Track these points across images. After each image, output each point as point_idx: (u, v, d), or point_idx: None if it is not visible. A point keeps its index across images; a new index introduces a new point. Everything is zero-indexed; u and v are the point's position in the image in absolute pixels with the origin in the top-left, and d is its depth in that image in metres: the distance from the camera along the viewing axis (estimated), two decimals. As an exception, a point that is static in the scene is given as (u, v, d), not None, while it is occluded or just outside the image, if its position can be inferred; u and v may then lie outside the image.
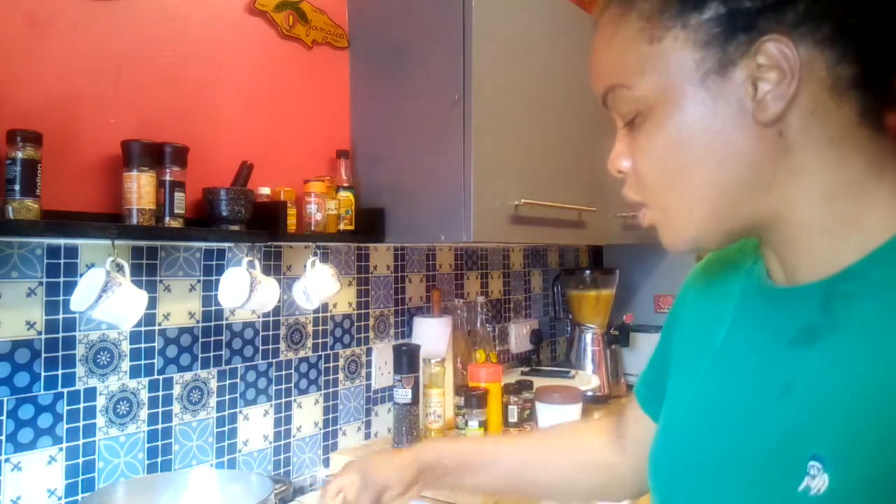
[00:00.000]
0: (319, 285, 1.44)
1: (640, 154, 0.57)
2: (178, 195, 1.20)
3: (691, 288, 0.74)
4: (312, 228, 1.45)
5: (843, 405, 0.48)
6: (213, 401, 1.37)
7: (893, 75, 0.51)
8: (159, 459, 1.28)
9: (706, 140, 0.53)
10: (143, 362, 1.26)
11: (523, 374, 2.14)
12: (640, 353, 2.38)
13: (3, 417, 1.08)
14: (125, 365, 1.23)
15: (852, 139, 0.51)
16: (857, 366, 0.49)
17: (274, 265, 1.50)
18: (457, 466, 0.86)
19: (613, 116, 0.60)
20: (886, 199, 0.52)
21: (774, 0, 0.49)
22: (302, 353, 1.56)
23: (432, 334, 1.76)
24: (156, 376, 1.28)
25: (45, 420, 1.12)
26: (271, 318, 1.49)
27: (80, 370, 1.17)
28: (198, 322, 1.35)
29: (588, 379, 2.10)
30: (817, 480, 0.47)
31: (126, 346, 1.23)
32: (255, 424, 1.46)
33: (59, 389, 1.14)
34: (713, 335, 0.64)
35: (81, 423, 1.17)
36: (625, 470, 0.82)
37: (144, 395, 1.26)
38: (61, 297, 1.14)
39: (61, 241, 1.14)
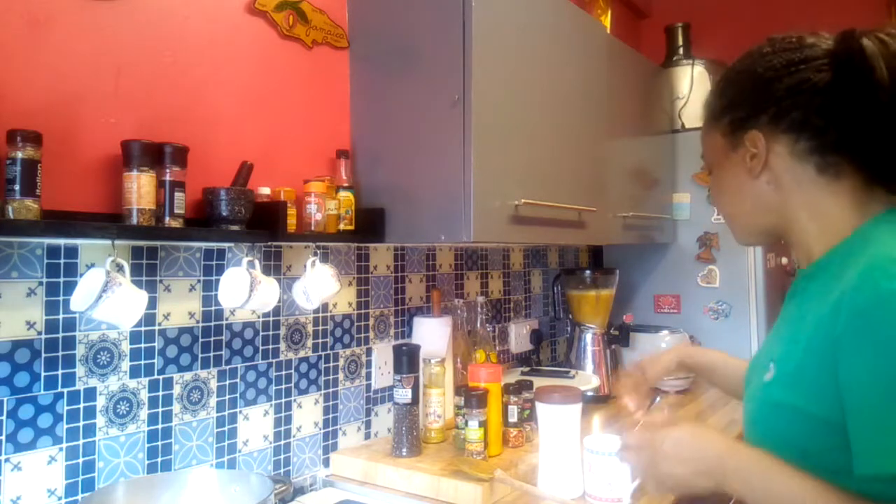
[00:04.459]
0: (319, 285, 1.44)
1: (711, 190, 1.05)
2: (178, 195, 1.20)
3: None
4: (312, 228, 1.45)
5: (790, 333, 0.88)
6: (213, 401, 1.37)
7: (833, 147, 0.85)
8: (159, 459, 1.28)
9: (734, 186, 0.96)
10: (143, 362, 1.26)
11: (523, 374, 2.14)
12: (640, 353, 2.38)
13: (3, 417, 1.08)
14: (125, 365, 1.23)
15: (814, 185, 0.88)
16: (803, 313, 0.86)
17: (274, 265, 1.50)
18: (704, 368, 1.29)
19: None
20: (845, 218, 0.86)
21: (753, 114, 0.90)
22: (302, 353, 1.56)
23: (432, 334, 1.76)
24: (156, 376, 1.28)
25: (45, 420, 1.12)
26: (271, 318, 1.49)
27: (80, 370, 1.17)
28: (198, 322, 1.35)
29: (588, 379, 2.10)
30: (770, 373, 0.87)
31: (126, 346, 1.23)
32: (255, 424, 1.46)
33: (59, 389, 1.14)
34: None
35: (81, 423, 1.17)
36: None
37: (144, 395, 1.26)
38: (61, 297, 1.14)
39: (61, 241, 1.14)
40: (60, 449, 1.14)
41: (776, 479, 0.80)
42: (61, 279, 1.14)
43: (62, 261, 1.15)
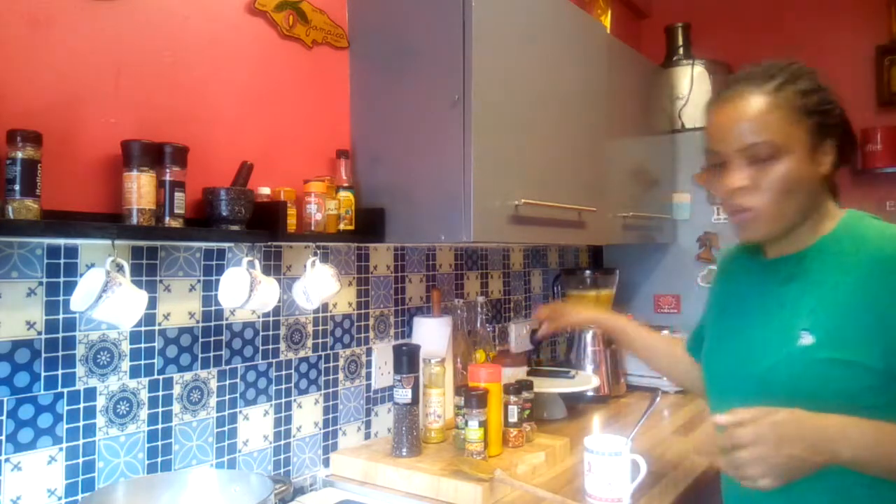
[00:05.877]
0: (319, 285, 1.44)
1: (767, 175, 1.05)
2: (178, 195, 1.20)
3: (720, 272, 1.31)
4: (312, 228, 1.45)
5: (811, 305, 1.04)
6: (213, 401, 1.37)
7: (839, 165, 1.09)
8: (159, 459, 1.28)
9: (798, 178, 1.04)
10: (143, 362, 1.26)
11: (523, 374, 2.14)
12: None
13: (3, 417, 1.08)
14: (125, 365, 1.23)
15: (827, 190, 1.10)
16: (811, 290, 1.06)
17: (274, 265, 1.50)
18: (617, 336, 1.58)
19: (741, 155, 1.06)
20: (831, 216, 1.10)
21: (833, 127, 1.07)
22: (302, 353, 1.56)
23: (432, 334, 1.76)
24: (156, 376, 1.28)
25: (45, 420, 1.12)
26: (271, 318, 1.49)
27: (80, 370, 1.17)
28: (198, 322, 1.35)
29: (588, 379, 2.10)
30: (805, 339, 1.02)
31: (126, 346, 1.23)
32: (255, 424, 1.46)
33: (59, 389, 1.14)
34: (728, 293, 1.25)
35: (81, 423, 1.17)
36: (690, 372, 1.41)
37: (144, 395, 1.26)
38: (61, 297, 1.14)
39: (61, 241, 1.14)
40: (60, 449, 1.14)
41: (876, 433, 0.93)
42: (61, 279, 1.14)
43: (62, 261, 1.15)
